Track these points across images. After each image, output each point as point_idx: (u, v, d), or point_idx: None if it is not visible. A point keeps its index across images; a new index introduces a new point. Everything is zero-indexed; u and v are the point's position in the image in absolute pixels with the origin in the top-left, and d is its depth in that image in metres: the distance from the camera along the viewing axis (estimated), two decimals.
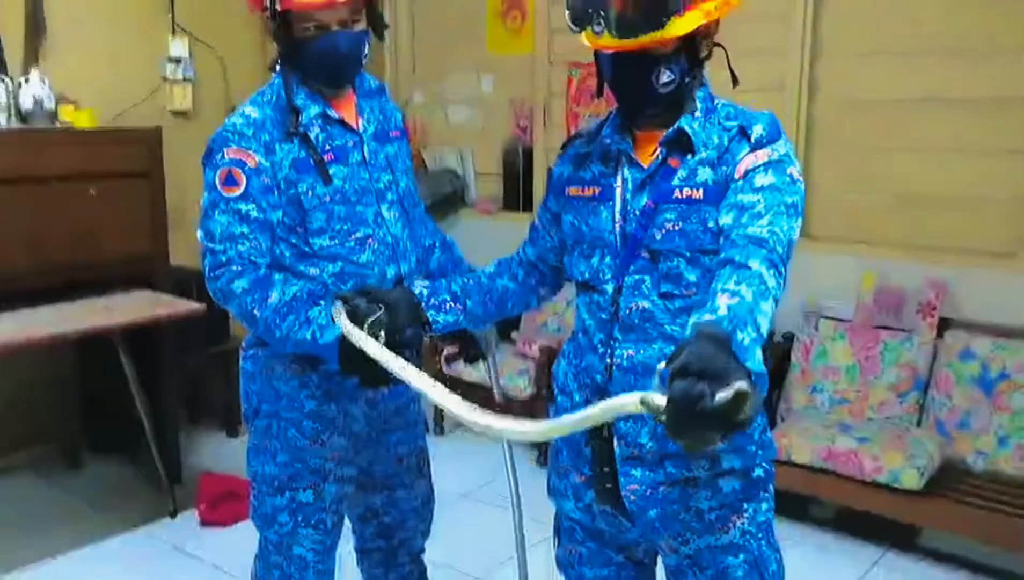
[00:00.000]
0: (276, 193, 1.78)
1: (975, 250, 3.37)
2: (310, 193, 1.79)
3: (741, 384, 0.99)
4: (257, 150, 1.77)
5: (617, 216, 1.50)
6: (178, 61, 4.06)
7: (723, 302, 1.19)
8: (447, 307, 1.69)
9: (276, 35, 1.78)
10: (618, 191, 1.51)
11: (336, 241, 1.82)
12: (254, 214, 1.75)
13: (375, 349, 1.48)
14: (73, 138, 3.40)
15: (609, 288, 1.51)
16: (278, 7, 1.72)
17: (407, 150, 2.02)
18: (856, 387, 3.40)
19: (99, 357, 3.53)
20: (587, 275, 1.55)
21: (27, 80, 3.39)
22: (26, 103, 3.37)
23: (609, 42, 1.41)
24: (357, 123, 1.88)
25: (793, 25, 3.67)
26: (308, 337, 1.69)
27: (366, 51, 1.84)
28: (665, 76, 1.42)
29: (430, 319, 1.68)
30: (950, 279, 3.35)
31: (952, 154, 3.42)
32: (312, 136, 1.81)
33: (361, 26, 1.81)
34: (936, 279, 3.36)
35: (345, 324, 1.56)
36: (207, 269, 1.78)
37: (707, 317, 1.17)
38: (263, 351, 1.88)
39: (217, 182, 1.75)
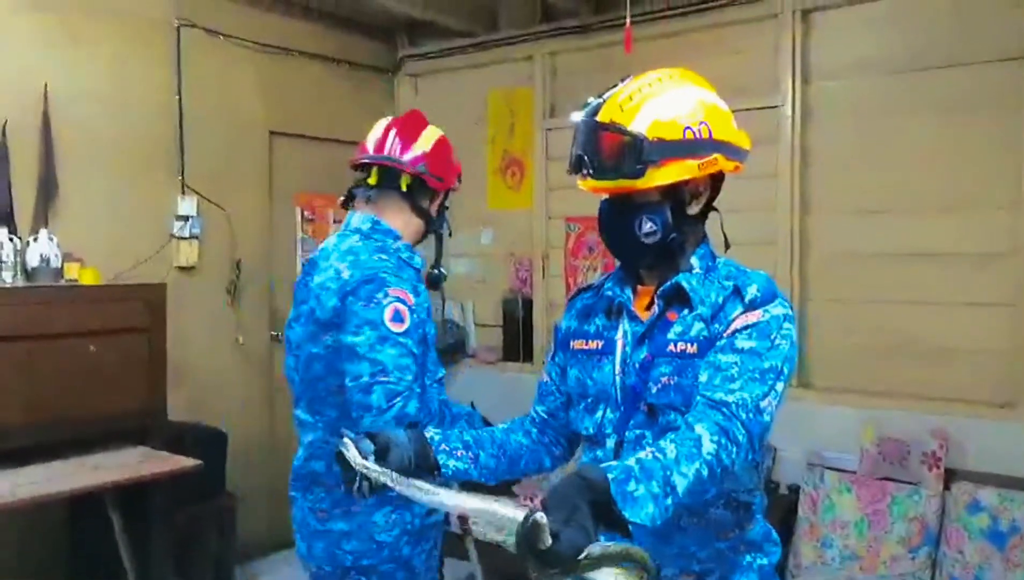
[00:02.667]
0: (421, 329, 1.99)
1: (974, 400, 3.36)
2: (431, 334, 2.04)
3: (538, 515, 1.05)
4: (408, 290, 1.98)
5: (617, 369, 1.51)
6: (186, 219, 4.18)
7: (639, 455, 1.22)
8: (459, 454, 1.61)
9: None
10: (619, 344, 1.52)
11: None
12: (413, 348, 1.93)
13: (374, 469, 1.42)
14: (76, 295, 3.45)
15: (611, 443, 1.50)
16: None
17: None
18: (866, 542, 3.31)
19: (89, 512, 3.45)
20: (591, 430, 1.55)
21: (35, 239, 3.48)
22: (32, 261, 3.45)
23: (590, 184, 1.48)
24: None
25: (782, 182, 3.80)
26: None
27: None
28: (647, 226, 1.46)
29: (440, 463, 1.59)
30: (952, 428, 3.31)
31: (946, 306, 3.46)
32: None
33: None
34: (938, 428, 3.33)
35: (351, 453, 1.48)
36: (383, 398, 1.90)
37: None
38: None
39: (386, 319, 1.93)
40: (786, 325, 1.43)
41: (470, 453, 1.64)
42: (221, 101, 4.36)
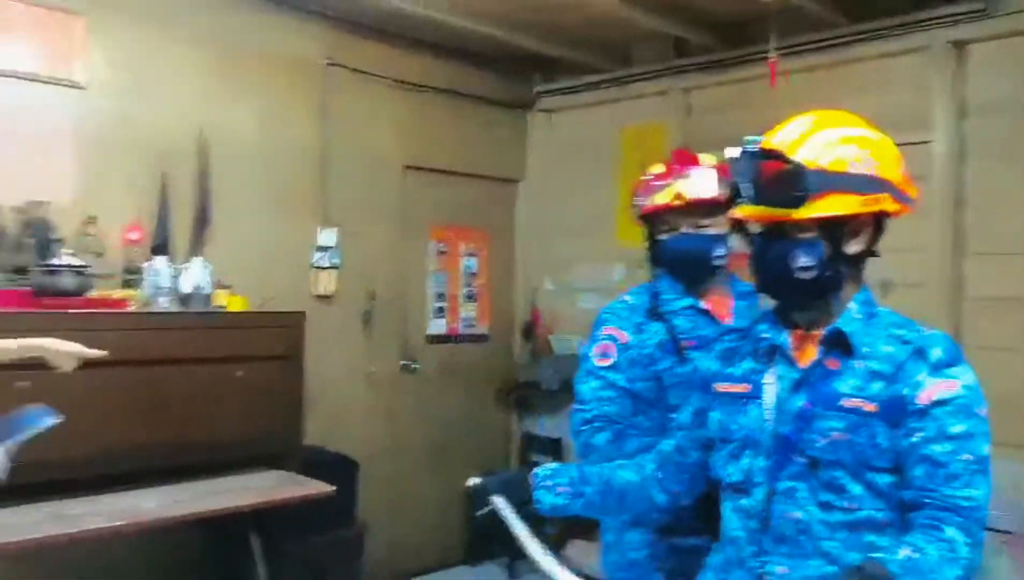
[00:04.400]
0: (641, 367, 2.06)
1: None
2: (669, 372, 2.04)
3: None
4: (627, 329, 2.08)
5: (767, 415, 1.46)
6: (327, 250, 4.32)
7: (903, 553, 1.22)
8: (558, 491, 1.70)
9: (646, 235, 2.17)
10: (770, 389, 1.47)
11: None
12: (620, 383, 2.04)
13: (512, 521, 1.66)
14: (224, 321, 3.60)
15: (759, 492, 1.45)
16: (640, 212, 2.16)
17: None
18: None
19: (226, 533, 3.57)
20: (736, 477, 1.50)
21: (189, 266, 3.66)
22: (186, 288, 3.62)
23: (747, 210, 1.45)
24: (727, 318, 2.09)
25: (934, 222, 3.61)
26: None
27: (718, 252, 2.09)
28: (801, 260, 1.41)
29: (534, 499, 1.71)
30: None
31: None
32: (677, 323, 2.07)
33: (714, 230, 2.07)
34: None
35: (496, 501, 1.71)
36: (576, 424, 2.08)
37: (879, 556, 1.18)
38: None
39: (593, 354, 2.10)
40: (979, 394, 1.40)
41: (571, 489, 1.71)
42: (360, 137, 4.50)
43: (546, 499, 1.70)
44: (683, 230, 2.08)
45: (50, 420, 1.27)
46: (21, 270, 3.23)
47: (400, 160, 4.69)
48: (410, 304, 4.81)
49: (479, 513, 1.72)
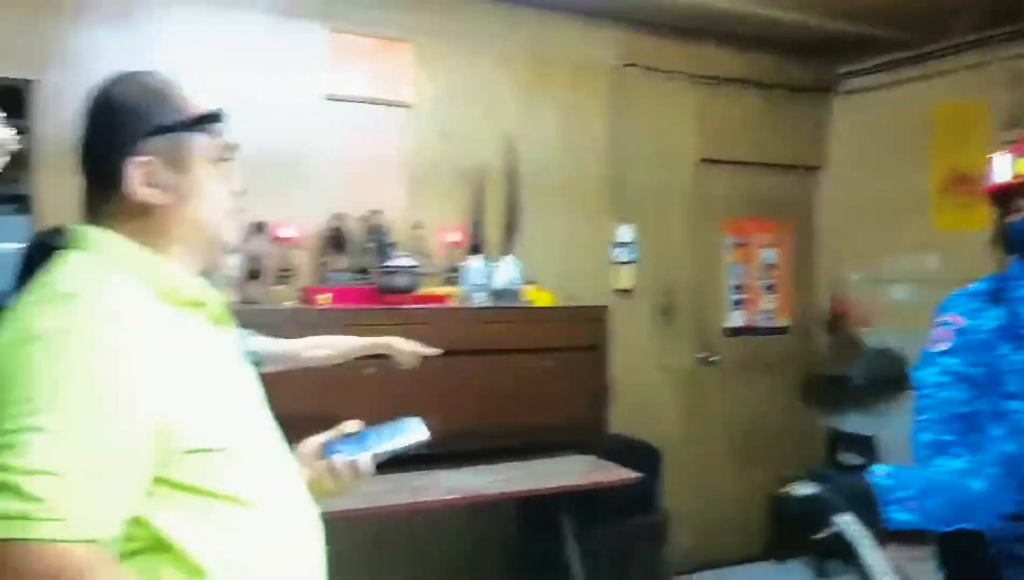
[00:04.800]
0: (979, 353, 2.00)
1: None
2: (1004, 359, 1.96)
3: None
4: (965, 314, 2.03)
5: None
6: (624, 245, 4.46)
7: None
8: (910, 506, 1.55)
9: (995, 217, 2.08)
10: None
11: None
12: (954, 367, 1.98)
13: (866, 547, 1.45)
14: (533, 315, 3.85)
15: None
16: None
17: None
18: None
19: (536, 514, 3.82)
20: None
21: (501, 264, 3.96)
22: (499, 283, 3.92)
23: None
24: None
25: None
26: None
27: None
28: None
29: (884, 515, 1.55)
30: None
31: None
32: (1018, 309, 1.98)
33: None
34: None
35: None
36: (916, 411, 2.04)
37: None
38: None
39: (933, 340, 2.05)
40: None
41: (914, 503, 1.56)
42: (655, 133, 4.59)
43: (899, 516, 1.55)
44: None
45: (423, 435, 1.39)
46: (364, 271, 3.69)
47: (696, 154, 4.71)
48: (707, 297, 4.82)
49: (819, 537, 1.50)
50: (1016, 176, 1.94)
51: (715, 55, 4.71)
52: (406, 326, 3.20)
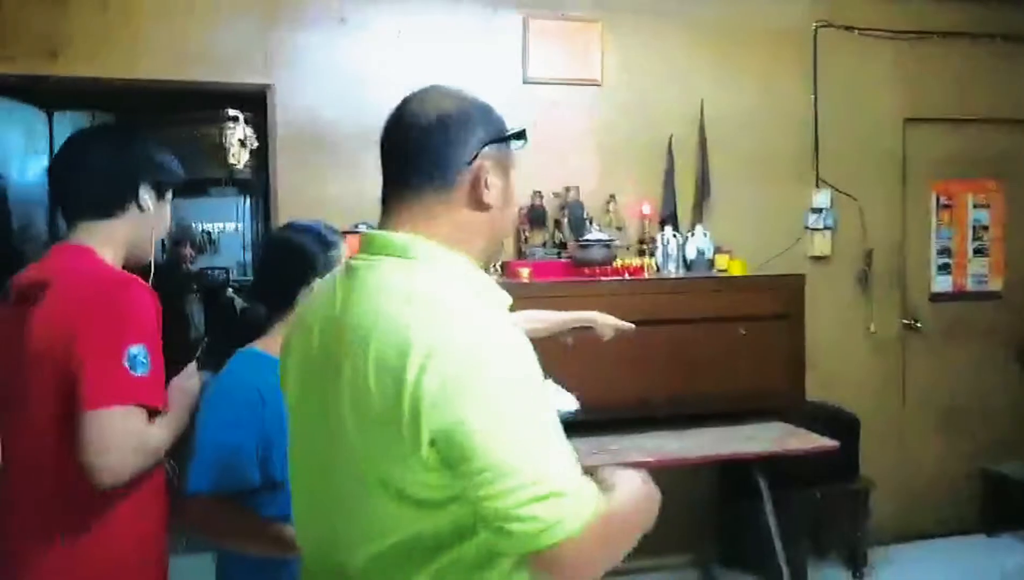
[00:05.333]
0: None
1: None
2: None
3: None
4: None
5: None
6: (820, 211, 4.40)
7: None
8: None
9: None
10: None
11: None
12: None
13: None
14: (726, 284, 3.90)
15: None
16: None
17: None
18: None
19: (735, 479, 3.90)
20: None
21: (692, 234, 4.03)
22: (690, 253, 4.00)
23: None
24: None
25: None
26: None
27: None
28: None
29: None
30: None
31: None
32: None
33: None
34: None
35: None
36: None
37: None
38: None
39: None
40: None
41: None
42: (853, 95, 4.46)
43: None
44: None
45: (573, 407, 1.43)
46: (561, 245, 3.89)
47: (899, 113, 4.54)
48: (910, 262, 4.65)
49: None
50: None
51: (915, 8, 4.50)
52: (602, 297, 3.37)
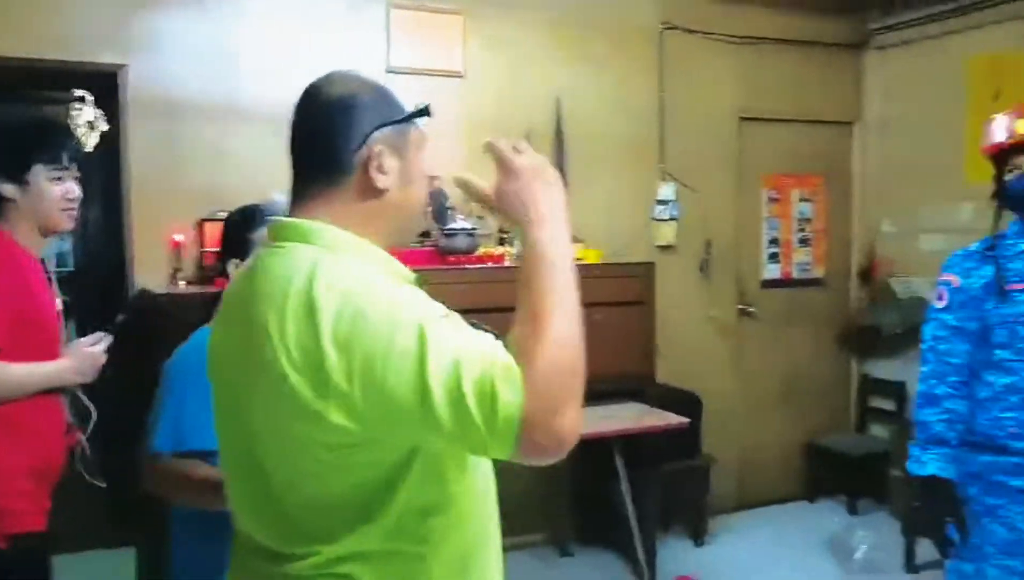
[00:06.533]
0: (970, 308, 2.24)
1: None
2: (993, 311, 2.20)
3: None
4: (959, 273, 2.28)
5: None
6: (666, 203, 4.66)
7: None
8: None
9: (994, 176, 2.30)
10: None
11: (1017, 358, 2.16)
12: (951, 322, 2.26)
13: None
14: (582, 273, 4.02)
15: None
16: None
17: None
18: None
19: (591, 458, 4.08)
20: None
21: None
22: None
23: None
24: None
25: None
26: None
27: None
28: None
29: None
30: None
31: None
32: (1012, 266, 2.18)
33: None
34: None
35: None
36: (921, 363, 2.35)
37: None
38: None
39: (934, 297, 2.34)
40: None
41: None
42: (696, 93, 4.75)
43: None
44: None
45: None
46: (425, 234, 3.93)
47: (736, 112, 4.87)
48: (744, 251, 5.01)
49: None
50: (1013, 136, 2.11)
51: (753, 16, 4.85)
52: (468, 285, 3.45)
